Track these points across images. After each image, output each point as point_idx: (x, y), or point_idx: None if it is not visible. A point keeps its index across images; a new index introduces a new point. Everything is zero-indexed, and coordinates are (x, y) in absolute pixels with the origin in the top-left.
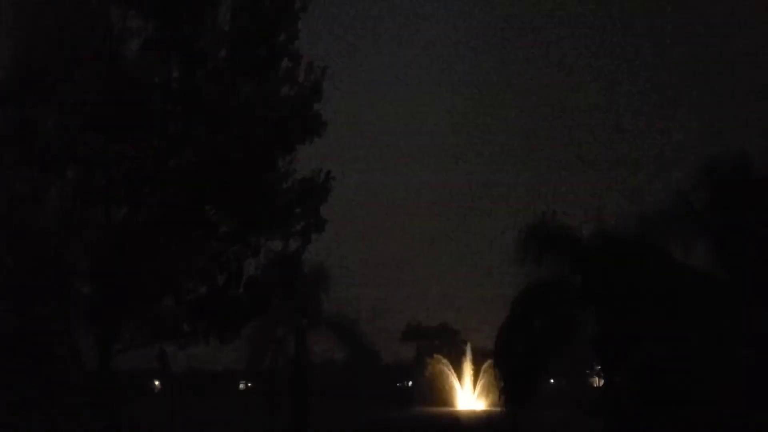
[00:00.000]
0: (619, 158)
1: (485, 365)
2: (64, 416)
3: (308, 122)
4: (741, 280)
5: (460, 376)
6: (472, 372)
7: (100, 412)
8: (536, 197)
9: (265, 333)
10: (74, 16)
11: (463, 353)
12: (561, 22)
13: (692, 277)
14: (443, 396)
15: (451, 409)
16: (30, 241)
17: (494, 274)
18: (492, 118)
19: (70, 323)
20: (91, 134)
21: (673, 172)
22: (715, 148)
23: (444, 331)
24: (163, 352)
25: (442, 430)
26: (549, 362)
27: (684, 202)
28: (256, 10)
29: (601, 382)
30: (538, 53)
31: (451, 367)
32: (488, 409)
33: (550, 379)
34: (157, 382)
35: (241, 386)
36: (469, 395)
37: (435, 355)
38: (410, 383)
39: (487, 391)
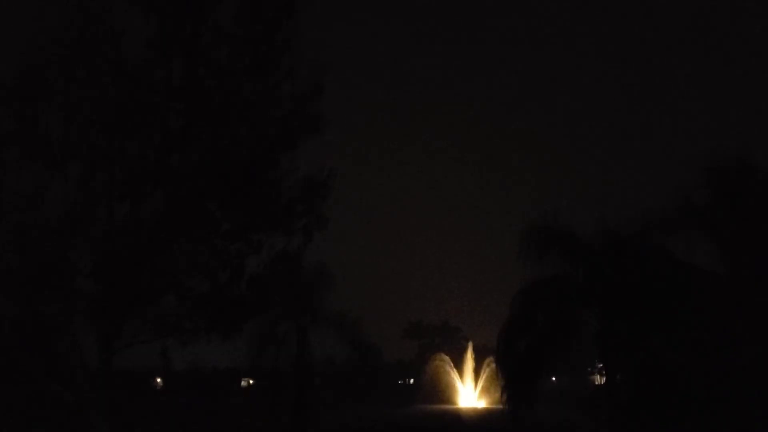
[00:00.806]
0: (621, 156)
1: (486, 363)
2: (67, 413)
3: (310, 119)
4: (742, 278)
5: (461, 374)
6: (473, 370)
7: (102, 410)
8: (537, 196)
9: (267, 330)
10: (77, 14)
11: (464, 351)
12: (561, 21)
13: (694, 275)
14: (445, 394)
15: (453, 406)
16: (33, 239)
17: (496, 272)
18: (492, 118)
19: (72, 320)
20: (93, 132)
21: (675, 170)
22: (716, 145)
23: (445, 329)
24: (165, 349)
25: (444, 428)
26: (550, 360)
27: (685, 200)
28: (258, 8)
29: (603, 380)
30: (539, 53)
31: (452, 364)
32: (489, 407)
33: (551, 377)
34: (158, 380)
35: (243, 384)
36: (470, 393)
37: (437, 353)
38: (412, 381)
39: (488, 389)
